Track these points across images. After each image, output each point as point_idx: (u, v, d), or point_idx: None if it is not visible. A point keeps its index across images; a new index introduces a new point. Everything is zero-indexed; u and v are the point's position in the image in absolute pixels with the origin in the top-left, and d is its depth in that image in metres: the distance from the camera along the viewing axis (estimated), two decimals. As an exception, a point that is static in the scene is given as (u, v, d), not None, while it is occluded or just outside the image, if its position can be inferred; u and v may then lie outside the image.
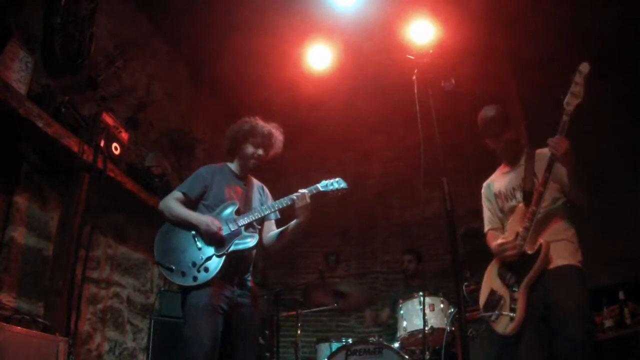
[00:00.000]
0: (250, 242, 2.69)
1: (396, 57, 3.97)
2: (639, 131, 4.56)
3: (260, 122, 2.93)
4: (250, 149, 2.89)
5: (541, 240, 2.56)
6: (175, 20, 4.93)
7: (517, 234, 2.63)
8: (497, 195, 2.89)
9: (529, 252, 2.57)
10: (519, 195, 2.74)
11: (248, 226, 2.76)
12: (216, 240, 2.65)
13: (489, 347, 3.33)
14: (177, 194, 2.82)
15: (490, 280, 2.78)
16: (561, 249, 2.57)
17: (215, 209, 2.78)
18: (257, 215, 2.77)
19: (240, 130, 2.92)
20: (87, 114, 3.66)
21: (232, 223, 2.71)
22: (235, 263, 2.69)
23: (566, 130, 2.47)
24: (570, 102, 2.45)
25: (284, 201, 2.79)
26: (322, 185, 2.83)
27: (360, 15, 4.72)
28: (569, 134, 2.49)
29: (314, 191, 2.80)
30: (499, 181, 2.93)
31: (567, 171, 2.55)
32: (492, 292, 2.71)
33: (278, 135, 2.97)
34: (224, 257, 2.61)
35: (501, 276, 2.70)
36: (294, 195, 2.77)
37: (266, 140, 2.91)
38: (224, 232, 2.67)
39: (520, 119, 4.96)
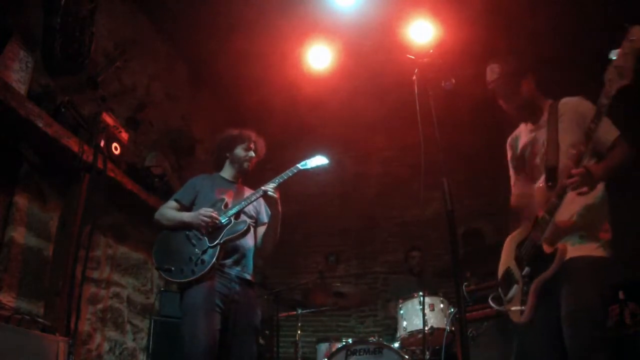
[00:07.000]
0: (242, 227, 2.75)
1: (396, 57, 3.97)
2: None
3: (244, 130, 3.10)
4: (242, 152, 3.04)
5: (559, 245, 2.23)
6: (175, 20, 4.93)
7: (536, 220, 2.28)
8: (524, 148, 2.52)
9: (546, 251, 2.27)
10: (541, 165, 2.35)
11: (238, 217, 2.83)
12: (213, 224, 2.73)
13: (489, 347, 3.33)
14: (171, 203, 2.94)
15: (508, 258, 2.51)
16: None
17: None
18: (244, 204, 2.83)
19: (228, 137, 3.08)
20: (87, 114, 3.66)
21: (222, 215, 2.78)
22: (231, 253, 2.76)
23: (602, 117, 2.04)
24: (612, 78, 1.92)
25: (259, 192, 2.86)
26: (302, 164, 2.94)
27: (360, 15, 4.72)
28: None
29: (295, 171, 2.91)
30: (525, 137, 2.54)
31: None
32: (508, 272, 2.48)
33: (262, 141, 3.15)
34: (218, 247, 2.68)
35: (518, 261, 2.43)
36: (263, 188, 2.84)
37: (255, 143, 3.08)
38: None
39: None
